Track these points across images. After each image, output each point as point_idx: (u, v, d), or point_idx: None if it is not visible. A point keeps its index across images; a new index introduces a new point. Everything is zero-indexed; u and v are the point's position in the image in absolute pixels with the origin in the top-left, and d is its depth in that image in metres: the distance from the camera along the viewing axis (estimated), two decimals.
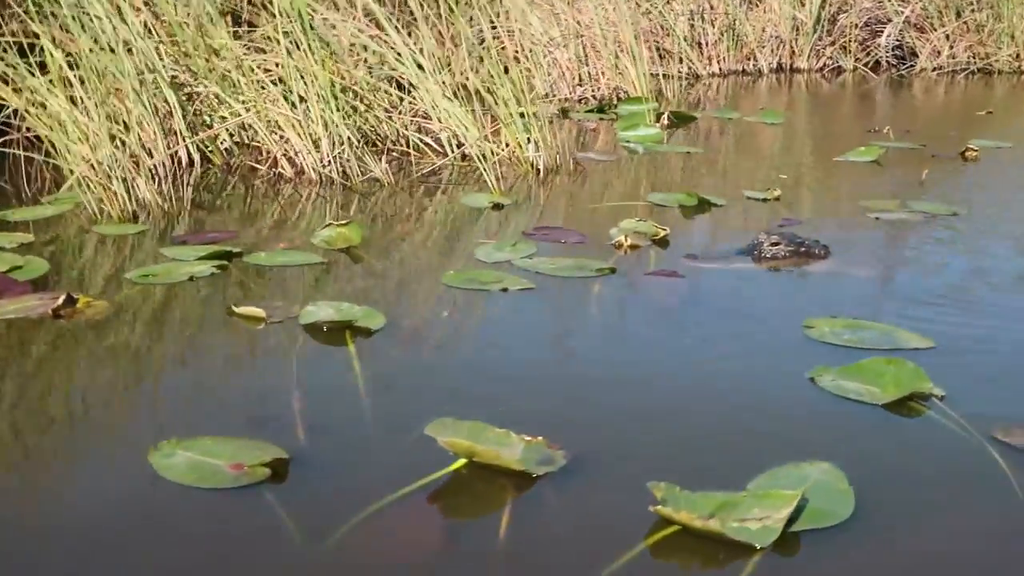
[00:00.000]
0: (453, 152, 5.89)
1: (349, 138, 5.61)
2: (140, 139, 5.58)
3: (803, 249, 4.13)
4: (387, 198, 5.26)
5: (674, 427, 2.68)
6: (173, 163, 5.68)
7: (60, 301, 3.47)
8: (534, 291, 3.71)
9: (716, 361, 3.10)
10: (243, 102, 5.87)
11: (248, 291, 3.75)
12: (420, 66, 6.07)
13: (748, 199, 5.18)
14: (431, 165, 5.80)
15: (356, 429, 2.68)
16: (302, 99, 5.68)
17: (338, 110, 5.95)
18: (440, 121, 6.03)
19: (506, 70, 9.10)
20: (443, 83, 6.04)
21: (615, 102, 8.26)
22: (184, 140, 5.76)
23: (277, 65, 5.82)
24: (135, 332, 3.37)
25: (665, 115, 7.46)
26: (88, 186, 4.74)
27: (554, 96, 8.70)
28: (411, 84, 6.12)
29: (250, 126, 5.88)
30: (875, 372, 2.91)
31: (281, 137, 5.71)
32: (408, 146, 6.07)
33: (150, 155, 5.57)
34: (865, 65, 11.05)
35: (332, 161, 5.54)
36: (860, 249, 4.28)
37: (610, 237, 4.36)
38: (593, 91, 8.71)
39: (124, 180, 4.92)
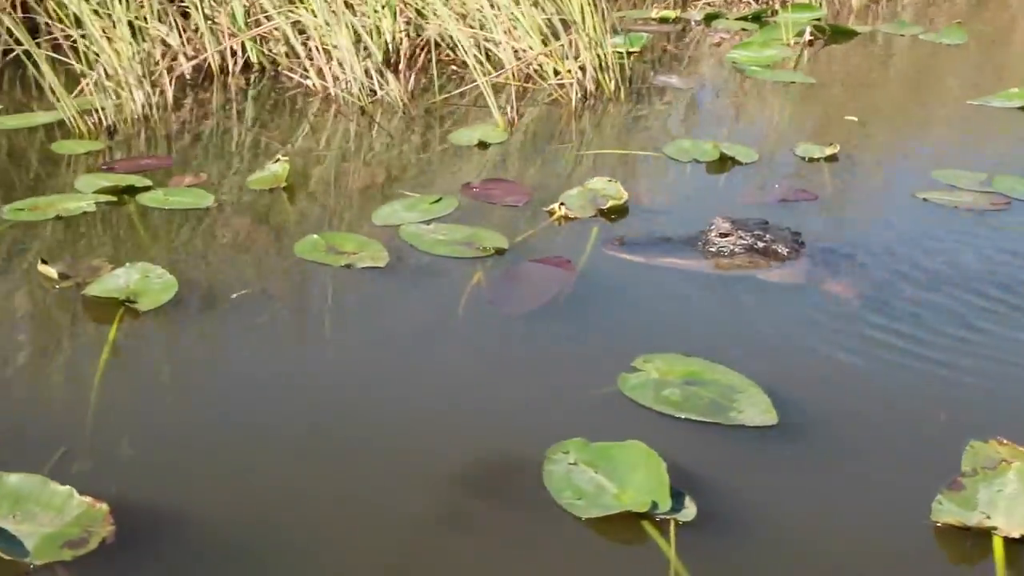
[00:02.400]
0: (508, 67, 5.18)
1: (371, 53, 5.07)
2: (182, 39, 5.39)
3: (762, 245, 3.18)
4: (383, 124, 4.72)
5: (287, 521, 2.06)
6: (210, 69, 5.45)
7: None
8: (379, 272, 3.11)
9: (449, 419, 2.38)
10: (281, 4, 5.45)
11: (89, 240, 3.41)
12: None
13: (795, 155, 4.16)
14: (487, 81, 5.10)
15: None
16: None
17: (393, 16, 5.43)
18: (509, 33, 5.30)
19: None
20: None
21: (777, 8, 7.08)
22: (225, 41, 5.48)
23: None
24: None
25: (807, 30, 6.27)
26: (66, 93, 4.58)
27: None
28: None
29: (278, 31, 5.46)
30: (629, 464, 2.12)
31: (314, 48, 5.26)
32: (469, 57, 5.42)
33: (189, 57, 5.37)
34: None
35: (353, 80, 5.04)
36: (859, 250, 3.23)
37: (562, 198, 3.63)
38: None
39: (119, 89, 4.73)
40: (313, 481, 2.17)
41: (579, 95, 4.95)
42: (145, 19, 5.21)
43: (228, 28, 5.57)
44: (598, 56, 5.05)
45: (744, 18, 6.96)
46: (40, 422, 2.36)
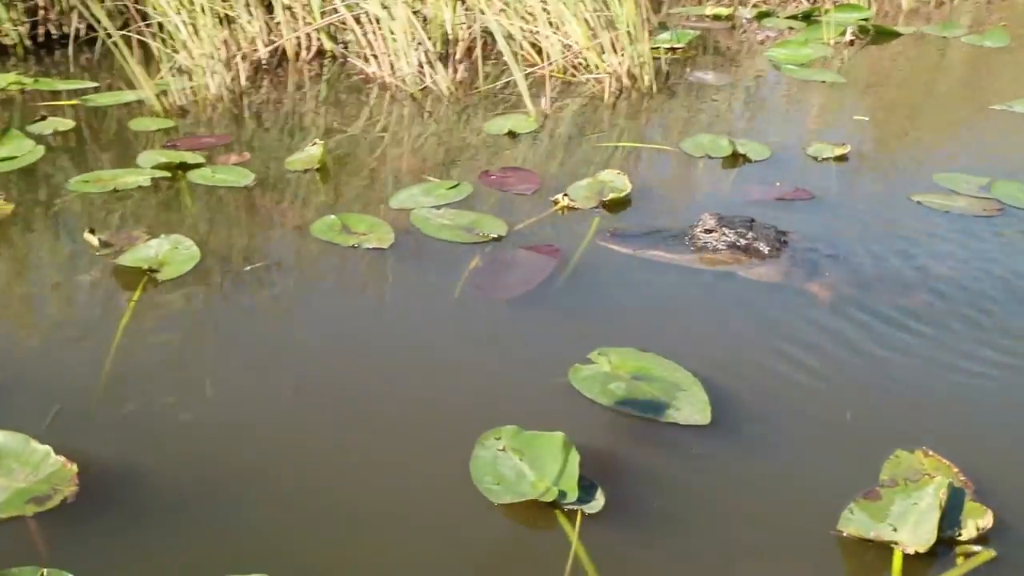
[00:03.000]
0: (550, 61, 5.04)
1: (424, 44, 4.99)
2: (261, 27, 5.40)
3: (744, 242, 3.02)
4: (430, 112, 4.64)
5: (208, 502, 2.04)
6: (285, 54, 5.45)
7: None
8: (382, 253, 3.06)
9: (406, 397, 2.33)
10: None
11: (137, 211, 3.43)
12: None
13: (806, 154, 3.94)
14: (530, 73, 4.97)
15: None
16: None
17: (453, 9, 5.32)
18: (554, 26, 5.14)
19: None
20: None
21: (827, 7, 6.73)
22: (299, 29, 5.48)
23: None
24: None
25: (849, 30, 5.94)
26: (146, 76, 4.63)
27: None
28: None
29: (342, 23, 5.41)
30: (551, 454, 2.03)
31: (372, 38, 5.20)
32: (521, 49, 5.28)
33: (266, 44, 5.38)
34: None
35: (406, 69, 4.97)
36: (841, 251, 3.04)
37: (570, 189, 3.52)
38: None
39: (195, 73, 4.78)
40: (282, 435, 2.16)
41: (613, 89, 4.79)
42: (231, 7, 5.24)
43: (304, 17, 5.56)
44: (635, 53, 4.87)
45: (794, 17, 6.64)
46: (47, 380, 2.39)
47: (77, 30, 5.84)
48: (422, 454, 2.11)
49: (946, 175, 3.62)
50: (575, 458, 1.96)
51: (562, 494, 1.90)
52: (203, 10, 4.89)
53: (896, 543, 1.81)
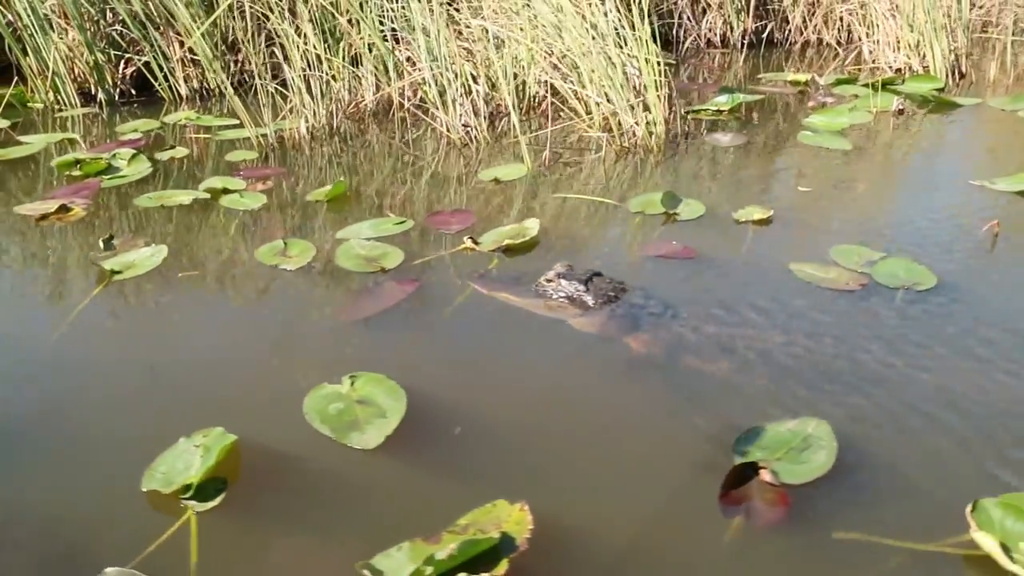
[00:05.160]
0: (586, 116, 4.92)
1: (465, 104, 5.04)
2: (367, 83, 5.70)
3: (575, 295, 2.85)
4: (460, 157, 4.68)
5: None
6: (387, 105, 5.71)
7: (54, 208, 3.93)
8: (291, 273, 3.19)
9: (172, 390, 2.43)
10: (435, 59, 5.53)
11: (158, 224, 3.77)
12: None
13: (732, 216, 3.58)
14: (572, 127, 4.89)
15: None
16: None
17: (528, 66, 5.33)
18: (592, 82, 5.01)
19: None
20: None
21: (905, 77, 6.00)
22: (388, 86, 5.71)
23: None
24: (24, 244, 3.62)
25: (896, 100, 5.26)
26: (248, 118, 5.05)
27: (870, 63, 6.60)
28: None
29: (421, 82, 5.56)
30: (219, 452, 2.06)
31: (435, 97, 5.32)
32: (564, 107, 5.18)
33: (373, 95, 5.67)
34: None
35: (453, 123, 5.05)
36: (672, 311, 2.77)
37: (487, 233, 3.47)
38: (908, 61, 6.37)
39: (292, 118, 5.15)
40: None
41: (617, 147, 4.59)
42: (343, 69, 5.58)
43: (408, 75, 5.80)
44: (651, 116, 4.63)
45: (871, 85, 5.96)
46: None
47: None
48: (155, 432, 2.20)
49: (844, 247, 3.16)
50: (210, 461, 1.99)
51: (186, 488, 1.94)
52: (303, 68, 5.24)
53: None
